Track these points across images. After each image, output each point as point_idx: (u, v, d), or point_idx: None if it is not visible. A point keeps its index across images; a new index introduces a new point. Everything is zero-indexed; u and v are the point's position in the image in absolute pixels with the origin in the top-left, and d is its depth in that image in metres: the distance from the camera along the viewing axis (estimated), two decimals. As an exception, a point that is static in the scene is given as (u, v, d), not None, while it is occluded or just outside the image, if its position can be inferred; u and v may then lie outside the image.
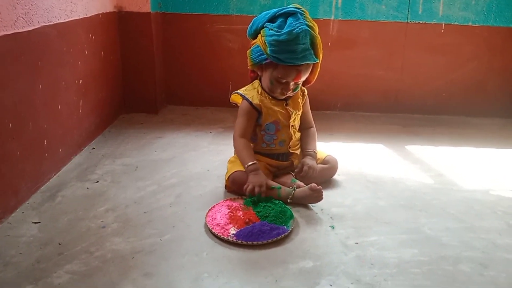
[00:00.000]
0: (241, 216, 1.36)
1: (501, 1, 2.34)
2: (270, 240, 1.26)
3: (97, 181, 1.62)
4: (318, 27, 1.51)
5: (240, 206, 1.42)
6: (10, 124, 1.36)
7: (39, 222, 1.35)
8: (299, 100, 1.62)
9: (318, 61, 1.51)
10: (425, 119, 2.47)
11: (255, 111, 1.55)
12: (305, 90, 1.66)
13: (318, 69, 1.56)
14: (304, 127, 1.68)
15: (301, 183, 1.52)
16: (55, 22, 1.62)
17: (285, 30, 1.42)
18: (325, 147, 1.82)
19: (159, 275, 1.12)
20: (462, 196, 1.60)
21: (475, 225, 1.41)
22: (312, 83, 1.60)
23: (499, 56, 2.44)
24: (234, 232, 1.29)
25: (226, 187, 1.58)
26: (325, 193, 1.52)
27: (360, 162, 1.87)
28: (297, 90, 1.56)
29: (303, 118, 1.66)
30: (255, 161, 1.50)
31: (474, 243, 1.31)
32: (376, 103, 2.53)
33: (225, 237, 1.27)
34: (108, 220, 1.37)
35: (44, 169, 1.58)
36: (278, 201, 1.44)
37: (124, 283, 1.09)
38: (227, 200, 1.48)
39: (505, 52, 2.44)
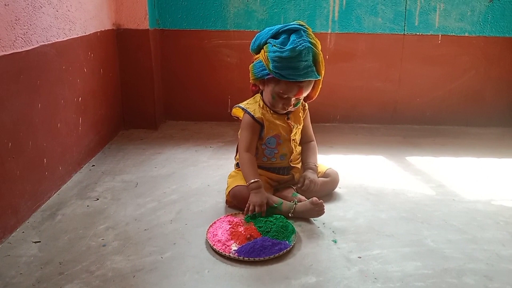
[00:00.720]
0: (242, 232, 1.35)
1: (497, 11, 2.37)
2: (272, 256, 1.25)
3: (97, 199, 1.62)
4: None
5: (242, 222, 1.42)
6: (10, 144, 1.36)
7: (39, 242, 1.34)
8: (300, 114, 1.62)
9: (320, 78, 1.52)
10: (425, 130, 2.48)
11: (258, 124, 1.56)
12: (306, 105, 1.66)
13: (320, 86, 1.56)
14: (304, 141, 1.68)
15: (303, 197, 1.51)
16: (53, 41, 1.63)
17: (288, 47, 1.43)
18: (325, 160, 1.82)
19: (161, 294, 1.11)
20: (463, 207, 1.60)
21: (478, 236, 1.40)
22: (314, 99, 1.61)
23: (496, 66, 2.46)
24: (236, 248, 1.28)
25: (226, 202, 1.57)
26: (327, 206, 1.51)
27: (361, 175, 1.86)
28: (298, 105, 1.56)
29: (303, 132, 1.66)
30: (258, 179, 1.49)
31: (477, 255, 1.30)
32: (375, 115, 2.54)
33: (226, 254, 1.26)
34: (109, 238, 1.36)
35: (44, 188, 1.57)
36: (279, 216, 1.43)
37: (125, 302, 1.08)
38: (228, 215, 1.47)
39: (501, 61, 2.45)
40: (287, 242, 1.32)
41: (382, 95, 2.50)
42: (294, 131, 1.58)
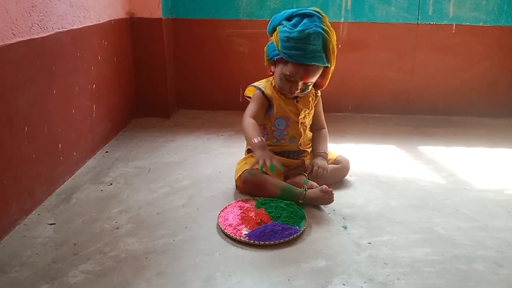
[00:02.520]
0: (253, 217, 1.36)
1: (512, 0, 2.33)
2: (282, 240, 1.27)
3: (111, 184, 1.64)
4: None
5: (252, 207, 1.43)
6: (26, 128, 1.39)
7: (54, 224, 1.37)
8: (310, 99, 1.63)
9: (328, 66, 1.52)
10: (437, 120, 2.46)
11: (266, 100, 1.58)
12: (319, 92, 1.67)
13: (330, 74, 1.57)
14: (316, 128, 1.68)
15: (314, 184, 1.52)
16: (68, 29, 1.65)
17: (298, 28, 1.44)
18: (336, 149, 1.82)
19: (172, 275, 1.13)
20: (475, 196, 1.59)
21: (488, 224, 1.40)
22: (323, 87, 1.62)
23: (510, 56, 2.43)
24: (246, 232, 1.30)
25: (237, 187, 1.59)
26: (337, 193, 1.52)
27: (372, 163, 1.86)
28: (305, 91, 1.57)
29: (315, 119, 1.67)
30: (260, 139, 1.46)
31: (487, 242, 1.30)
32: (387, 105, 2.52)
33: (237, 237, 1.27)
34: (122, 221, 1.39)
35: (59, 172, 1.61)
36: (290, 202, 1.45)
37: (137, 282, 1.10)
38: (239, 201, 1.49)
39: (517, 51, 2.42)
40: (297, 227, 1.33)
41: (395, 85, 2.48)
42: (302, 114, 1.59)
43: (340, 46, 2.40)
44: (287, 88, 1.53)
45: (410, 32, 2.40)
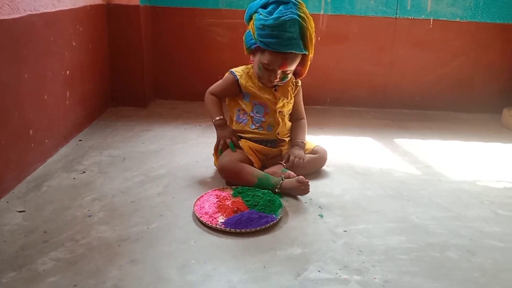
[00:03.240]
0: (229, 205, 1.35)
1: (488, -3, 2.37)
2: (258, 228, 1.25)
3: (84, 172, 1.60)
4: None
5: (229, 196, 1.42)
6: (-5, 112, 1.34)
7: (24, 211, 1.32)
8: (289, 88, 1.62)
9: (306, 53, 1.51)
10: (414, 114, 2.49)
11: (237, 87, 1.58)
12: (299, 81, 1.66)
13: (309, 62, 1.56)
14: (295, 118, 1.68)
15: (292, 173, 1.51)
16: (42, 12, 1.60)
17: (273, 16, 1.43)
18: (314, 140, 1.81)
19: (146, 262, 1.11)
20: (449, 186, 1.61)
21: (462, 214, 1.42)
22: (303, 76, 1.61)
23: (486, 52, 2.47)
24: (223, 220, 1.29)
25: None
26: (314, 183, 1.52)
27: (349, 154, 1.87)
28: (285, 80, 1.56)
29: (294, 109, 1.66)
30: (222, 116, 1.57)
31: (461, 231, 1.32)
32: (365, 98, 2.54)
33: (213, 225, 1.26)
34: (95, 209, 1.36)
35: (30, 159, 1.56)
36: (266, 191, 1.44)
37: (110, 269, 1.08)
38: (215, 190, 1.47)
39: (491, 48, 2.47)
40: (274, 215, 1.32)
41: (373, 78, 2.50)
42: (280, 103, 1.58)
43: (319, 38, 2.40)
44: (266, 77, 1.52)
45: (388, 26, 2.42)
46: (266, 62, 1.48)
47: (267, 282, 1.05)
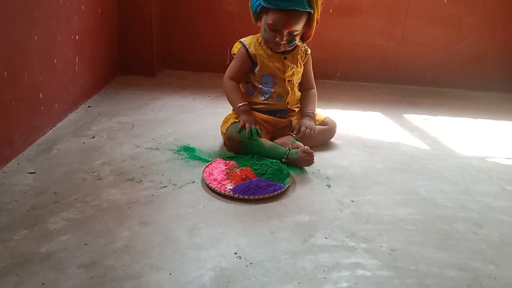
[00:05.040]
0: (238, 173, 1.35)
1: (506, -28, 2.31)
2: (266, 195, 1.26)
3: (93, 137, 1.61)
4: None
5: (237, 164, 1.42)
6: (5, 73, 1.33)
7: (34, 173, 1.34)
8: (299, 56, 1.60)
9: (311, 11, 1.47)
10: (425, 91, 2.46)
11: (249, 59, 1.56)
12: (309, 50, 1.64)
13: (315, 23, 1.52)
14: (304, 88, 1.66)
15: (300, 144, 1.51)
16: (51, -27, 1.57)
17: None
18: (323, 113, 1.80)
19: (155, 224, 1.12)
20: (458, 162, 1.61)
21: (471, 188, 1.42)
22: (310, 38, 1.57)
23: (501, 29, 2.42)
24: (231, 187, 1.29)
25: (225, 145, 1.57)
26: (322, 155, 1.52)
27: (358, 128, 1.86)
28: (292, 43, 1.52)
29: (304, 79, 1.64)
30: (245, 102, 1.54)
31: (469, 205, 1.32)
32: (376, 73, 2.51)
33: (222, 191, 1.26)
34: (104, 173, 1.36)
35: (40, 123, 1.56)
36: (275, 160, 1.44)
37: (120, 230, 1.09)
38: (224, 158, 1.47)
39: (507, 25, 2.41)
40: (282, 184, 1.33)
41: (384, 53, 2.46)
42: (289, 71, 1.57)
43: (331, 10, 2.36)
44: (273, 39, 1.50)
45: (402, -1, 2.37)
46: (270, 22, 1.47)
47: (275, 247, 1.06)
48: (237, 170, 1.37)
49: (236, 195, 1.25)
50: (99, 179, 1.32)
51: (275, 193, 1.27)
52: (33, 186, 1.27)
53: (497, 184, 1.46)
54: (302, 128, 1.54)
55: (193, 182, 1.34)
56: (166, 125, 1.77)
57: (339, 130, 1.71)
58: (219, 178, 1.33)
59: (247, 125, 1.48)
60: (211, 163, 1.42)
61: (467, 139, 1.83)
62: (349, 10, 2.39)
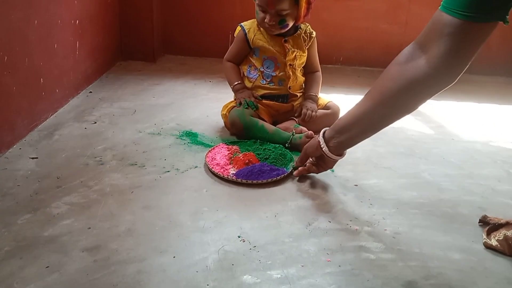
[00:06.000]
0: (241, 158, 1.34)
1: (512, -47, 2.27)
2: (269, 180, 1.26)
3: (95, 122, 1.60)
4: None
5: (240, 149, 1.41)
6: (5, 58, 1.32)
7: (37, 158, 1.33)
8: (301, 39, 1.57)
9: None
10: (427, 76, 2.43)
11: (247, 44, 1.57)
12: (313, 32, 1.61)
13: (304, 3, 1.46)
14: (309, 71, 1.64)
15: (304, 129, 1.50)
16: (50, -44, 1.55)
17: None
18: (326, 97, 1.79)
19: (159, 208, 1.12)
20: (462, 146, 1.60)
21: (475, 172, 1.41)
22: (301, 19, 1.51)
23: (506, 13, 2.39)
24: (234, 172, 1.29)
25: (226, 127, 1.58)
26: (326, 139, 1.50)
27: (361, 113, 1.84)
28: (283, 24, 1.48)
29: (308, 62, 1.62)
30: (240, 81, 1.60)
31: (473, 189, 1.31)
32: (379, 58, 2.47)
33: (225, 176, 1.26)
34: (107, 158, 1.36)
35: (41, 108, 1.55)
36: (278, 145, 1.43)
37: (123, 214, 1.09)
38: (227, 143, 1.46)
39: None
40: (285, 169, 1.32)
41: (388, 37, 2.44)
42: (290, 55, 1.55)
43: (334, -7, 2.33)
44: (262, 20, 1.49)
45: (406, -18, 2.33)
46: (257, 2, 1.47)
47: (278, 230, 1.06)
48: (240, 154, 1.36)
49: (239, 179, 1.25)
50: (101, 164, 1.32)
51: (278, 177, 1.27)
52: (36, 171, 1.27)
53: (501, 168, 1.45)
54: (304, 110, 1.53)
55: (196, 167, 1.33)
56: (167, 111, 1.76)
57: (342, 115, 1.69)
58: (221, 162, 1.33)
59: (242, 101, 1.52)
60: (213, 148, 1.42)
61: (471, 124, 1.82)
62: (352, -7, 2.36)
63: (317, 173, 1.28)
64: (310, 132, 1.44)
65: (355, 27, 2.42)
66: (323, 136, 1.20)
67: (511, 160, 1.51)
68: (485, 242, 1.06)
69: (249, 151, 1.40)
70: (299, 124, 1.54)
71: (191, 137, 1.53)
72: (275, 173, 1.29)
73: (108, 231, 1.02)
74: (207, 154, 1.38)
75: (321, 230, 1.07)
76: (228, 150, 1.40)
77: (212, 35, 2.45)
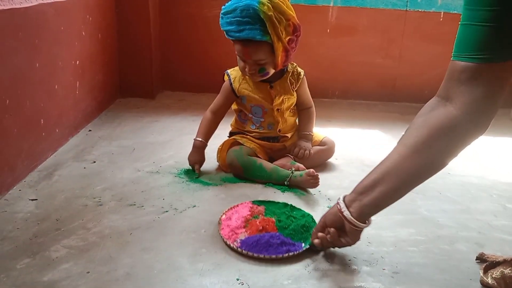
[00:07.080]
0: (257, 223, 1.19)
1: (500, -10, 2.35)
2: (273, 256, 1.10)
3: (94, 162, 1.62)
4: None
5: (264, 211, 1.26)
6: (7, 101, 1.35)
7: (36, 199, 1.34)
8: (287, 83, 1.56)
9: (267, 40, 1.38)
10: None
11: (233, 94, 1.57)
12: (301, 73, 1.60)
13: (281, 52, 1.42)
14: (301, 108, 1.65)
15: (301, 165, 1.51)
16: (52, 1, 1.60)
17: (229, 2, 1.42)
18: (322, 132, 1.82)
19: (157, 250, 1.12)
20: (458, 180, 1.61)
21: (471, 207, 1.42)
22: (279, 67, 1.48)
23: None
24: (243, 237, 1.15)
25: (222, 167, 1.60)
26: (322, 175, 1.52)
27: (357, 147, 1.87)
28: (262, 72, 1.46)
29: (299, 100, 1.61)
30: (202, 139, 1.57)
31: (470, 224, 1.32)
32: (374, 91, 2.53)
33: (228, 242, 1.14)
34: (106, 198, 1.37)
35: (41, 148, 1.57)
36: (307, 214, 1.28)
37: (122, 257, 1.09)
38: (252, 202, 1.32)
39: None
40: (302, 244, 1.15)
41: (382, 71, 2.49)
42: (277, 100, 1.53)
43: (328, 30, 2.39)
44: (243, 69, 1.48)
45: (398, 18, 2.40)
46: (236, 51, 1.46)
47: (277, 272, 1.06)
48: (259, 218, 1.21)
49: (241, 249, 1.11)
50: (100, 205, 1.33)
51: (285, 254, 1.10)
52: (35, 213, 1.27)
53: (497, 202, 1.46)
54: (296, 149, 1.55)
55: (194, 206, 1.34)
56: (166, 148, 1.78)
57: (338, 149, 1.72)
58: (234, 224, 1.20)
59: (190, 162, 1.55)
60: (237, 205, 1.30)
61: (466, 157, 1.83)
62: (346, 29, 2.43)
63: (339, 247, 1.12)
64: (312, 170, 1.44)
65: (350, 62, 2.48)
66: (343, 200, 1.07)
67: (506, 194, 1.52)
68: (481, 280, 1.06)
69: (273, 215, 1.24)
70: (295, 161, 1.56)
71: (189, 175, 1.54)
72: (285, 248, 1.12)
73: (107, 275, 1.02)
74: (226, 211, 1.27)
75: (320, 271, 1.07)
76: (250, 211, 1.25)
77: (210, 71, 2.50)
